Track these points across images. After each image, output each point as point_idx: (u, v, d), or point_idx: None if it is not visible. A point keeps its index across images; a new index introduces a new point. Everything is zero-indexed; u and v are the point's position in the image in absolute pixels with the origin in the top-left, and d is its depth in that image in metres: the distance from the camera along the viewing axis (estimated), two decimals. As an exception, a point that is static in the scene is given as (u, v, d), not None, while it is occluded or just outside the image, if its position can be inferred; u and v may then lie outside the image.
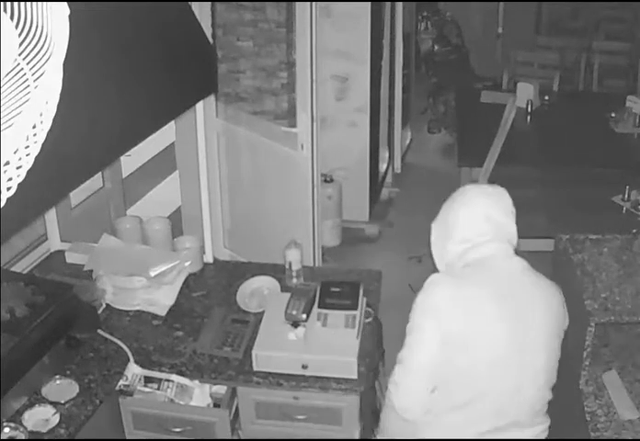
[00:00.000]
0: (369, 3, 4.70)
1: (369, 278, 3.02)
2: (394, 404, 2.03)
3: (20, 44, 0.89)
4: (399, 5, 5.60)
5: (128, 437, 2.71)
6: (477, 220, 2.05)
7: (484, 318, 1.96)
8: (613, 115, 4.92)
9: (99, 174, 3.74)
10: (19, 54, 0.89)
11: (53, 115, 0.97)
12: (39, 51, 0.90)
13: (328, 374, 2.53)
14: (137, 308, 2.90)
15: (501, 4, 7.46)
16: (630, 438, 2.30)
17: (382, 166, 5.70)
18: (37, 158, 0.96)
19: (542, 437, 2.13)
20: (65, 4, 0.95)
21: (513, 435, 2.05)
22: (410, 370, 2.00)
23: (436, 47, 7.01)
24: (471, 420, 2.02)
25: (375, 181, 5.36)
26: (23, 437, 2.28)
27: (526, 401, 2.04)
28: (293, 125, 3.78)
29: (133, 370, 2.61)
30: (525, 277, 2.06)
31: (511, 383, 2.00)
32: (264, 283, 2.99)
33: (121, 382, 2.59)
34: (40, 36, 0.90)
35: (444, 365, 1.96)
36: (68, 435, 2.33)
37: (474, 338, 1.95)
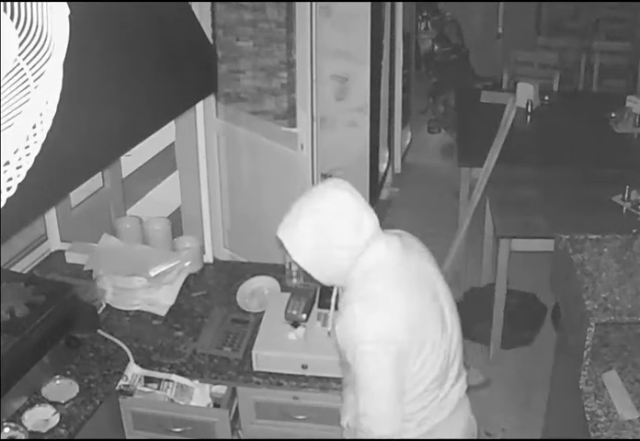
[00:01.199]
0: (369, 3, 4.70)
1: (369, 278, 3.02)
2: (375, 434, 1.98)
3: (20, 44, 0.89)
4: (399, 5, 5.60)
5: (128, 437, 2.71)
6: (358, 225, 1.91)
7: (417, 317, 1.95)
8: (613, 115, 4.91)
9: (99, 174, 3.74)
10: (19, 54, 0.89)
11: (53, 115, 0.97)
12: (39, 51, 0.90)
13: (328, 374, 2.53)
14: (137, 308, 2.90)
15: (501, 4, 7.45)
16: (630, 438, 2.30)
17: (383, 166, 5.70)
18: (37, 158, 0.96)
19: (467, 386, 2.19)
20: (65, 4, 0.95)
21: (451, 396, 2.11)
22: (380, 399, 1.96)
23: (436, 47, 7.01)
24: (422, 405, 2.06)
25: (375, 181, 5.36)
26: (23, 437, 2.28)
27: (457, 366, 2.12)
28: (293, 125, 3.79)
29: (133, 370, 2.61)
30: (411, 250, 2.05)
31: (447, 359, 2.05)
32: (264, 283, 2.99)
33: (121, 382, 2.59)
34: (40, 36, 0.90)
35: (403, 376, 1.96)
36: (68, 435, 2.33)
37: (418, 340, 1.94)
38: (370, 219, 1.94)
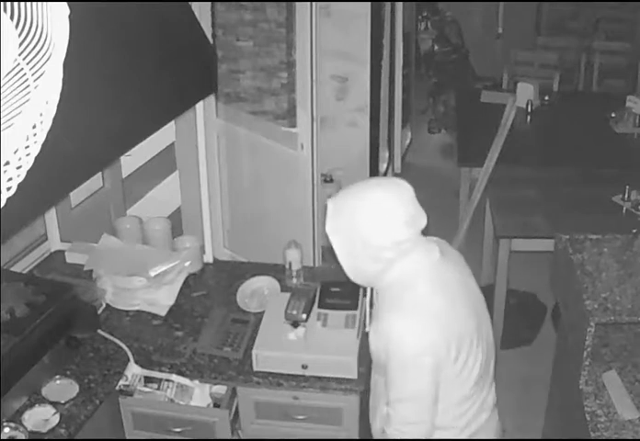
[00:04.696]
0: (369, 3, 4.70)
1: (369, 278, 3.02)
2: (407, 435, 1.97)
3: (20, 44, 0.89)
4: (399, 5, 5.60)
5: (128, 437, 2.71)
6: (396, 229, 1.87)
7: (457, 326, 1.93)
8: (613, 115, 4.91)
9: (99, 174, 3.74)
10: (19, 54, 0.89)
11: (53, 115, 0.97)
12: (39, 51, 0.90)
13: (328, 374, 2.53)
14: (137, 308, 2.90)
15: (501, 4, 7.46)
16: (630, 438, 2.30)
17: (382, 166, 5.70)
18: (37, 158, 0.96)
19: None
20: (65, 4, 0.95)
21: (488, 400, 2.11)
22: (415, 404, 1.93)
23: (436, 47, 7.01)
24: (463, 410, 2.04)
25: (375, 181, 5.35)
26: (23, 437, 2.28)
27: (493, 366, 2.13)
28: (293, 125, 3.79)
29: (133, 370, 2.61)
30: (447, 257, 2.04)
31: (485, 356, 2.03)
32: (264, 283, 2.99)
33: (121, 382, 2.59)
34: (40, 36, 0.90)
35: (443, 382, 1.95)
36: (68, 435, 2.33)
37: (457, 345, 1.92)
38: (410, 232, 1.90)
